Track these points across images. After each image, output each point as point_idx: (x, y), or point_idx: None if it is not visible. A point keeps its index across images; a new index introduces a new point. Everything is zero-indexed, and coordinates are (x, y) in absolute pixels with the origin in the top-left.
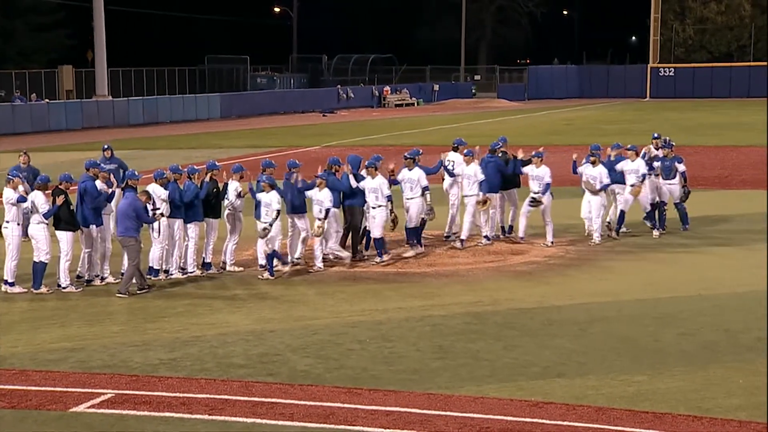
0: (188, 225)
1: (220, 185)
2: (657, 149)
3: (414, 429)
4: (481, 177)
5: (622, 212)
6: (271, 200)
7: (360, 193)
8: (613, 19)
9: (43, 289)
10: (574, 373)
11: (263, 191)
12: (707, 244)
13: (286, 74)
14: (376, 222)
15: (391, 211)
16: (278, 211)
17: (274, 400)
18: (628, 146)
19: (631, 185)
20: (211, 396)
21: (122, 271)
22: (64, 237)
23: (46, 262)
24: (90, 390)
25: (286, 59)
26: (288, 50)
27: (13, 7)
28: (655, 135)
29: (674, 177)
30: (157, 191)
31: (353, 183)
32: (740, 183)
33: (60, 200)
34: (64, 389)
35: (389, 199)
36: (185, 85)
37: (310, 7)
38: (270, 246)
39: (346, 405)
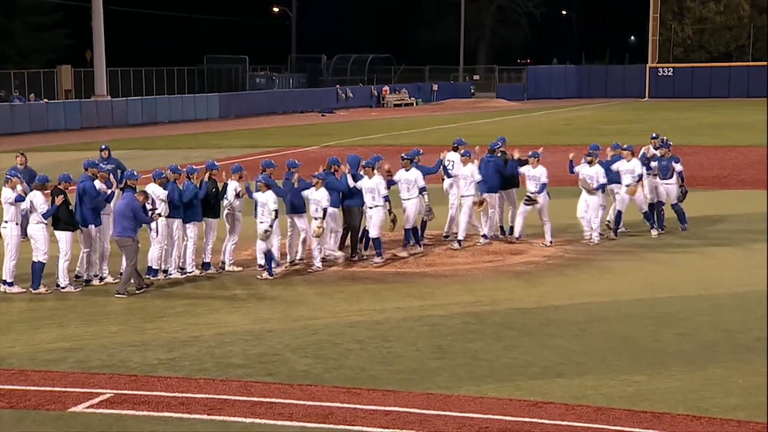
0: (187, 225)
1: (220, 185)
2: (656, 149)
3: (413, 429)
4: (478, 177)
5: (619, 212)
6: (267, 200)
7: (358, 194)
8: (612, 19)
9: (42, 289)
10: (573, 373)
11: (260, 191)
12: (706, 244)
13: (285, 74)
14: (373, 222)
15: (390, 211)
16: (276, 211)
17: (272, 400)
18: (625, 146)
19: (627, 185)
20: (210, 396)
21: (121, 271)
22: (63, 237)
23: (44, 262)
24: (89, 390)
25: (285, 59)
26: (287, 50)
27: (13, 7)
28: (654, 135)
29: (671, 177)
30: (156, 191)
31: (351, 183)
32: (739, 183)
33: (59, 200)
34: (63, 389)
35: (386, 199)
36: (184, 85)
37: (309, 7)
38: (267, 245)
39: (345, 405)
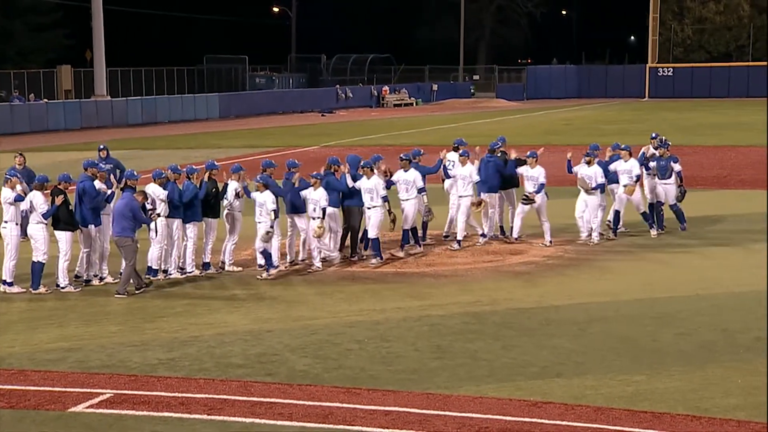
0: (187, 225)
1: (220, 185)
2: (656, 149)
3: (413, 429)
4: (476, 178)
5: (617, 212)
6: (265, 200)
7: (358, 194)
8: (612, 19)
9: (42, 289)
10: (572, 372)
11: (258, 191)
12: (705, 244)
13: (285, 74)
14: (371, 222)
15: (390, 211)
16: (275, 212)
17: (272, 399)
18: (623, 146)
19: (624, 185)
20: (210, 396)
21: (121, 271)
22: (63, 237)
23: (44, 262)
24: (88, 390)
25: (285, 59)
26: (287, 50)
27: (12, 7)
28: (654, 135)
29: (670, 177)
30: (156, 191)
31: (350, 183)
32: (739, 183)
33: (59, 200)
34: (63, 389)
35: (385, 199)
36: (184, 85)
37: (309, 7)
38: (267, 246)
39: (344, 405)
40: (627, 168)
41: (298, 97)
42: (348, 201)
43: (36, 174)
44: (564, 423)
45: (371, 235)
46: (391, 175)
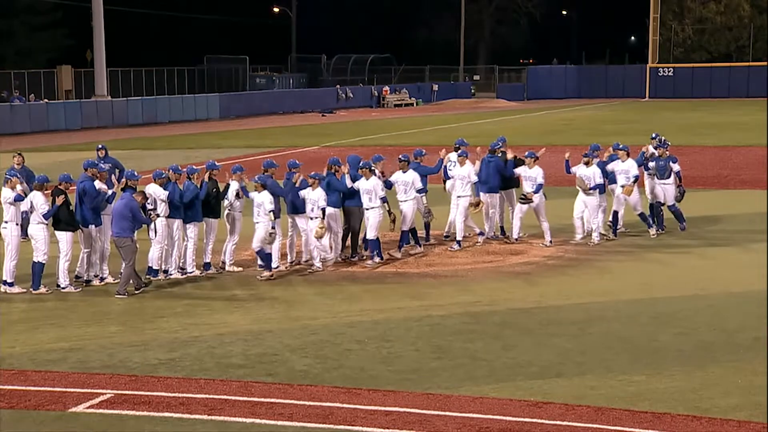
0: (187, 225)
1: (221, 185)
2: (655, 149)
3: (413, 429)
4: (475, 179)
5: (615, 212)
6: (263, 200)
7: (359, 194)
8: (612, 19)
9: (42, 290)
10: (572, 372)
11: (255, 191)
12: (705, 245)
13: (285, 74)
14: (370, 223)
15: (390, 211)
16: (273, 212)
17: (273, 400)
18: (620, 146)
19: (622, 186)
20: (210, 396)
21: (121, 272)
22: (64, 237)
23: (44, 262)
24: (89, 390)
25: (285, 59)
26: (287, 50)
27: (12, 7)
28: (654, 135)
29: (669, 177)
30: (157, 191)
31: (349, 183)
32: (739, 183)
33: (60, 200)
34: (63, 389)
35: (384, 200)
36: (184, 85)
37: (309, 7)
38: (260, 244)
39: (345, 405)
40: (624, 168)
41: (298, 97)
42: (348, 201)
43: (34, 174)
44: (564, 423)
45: (370, 236)
46: (385, 176)
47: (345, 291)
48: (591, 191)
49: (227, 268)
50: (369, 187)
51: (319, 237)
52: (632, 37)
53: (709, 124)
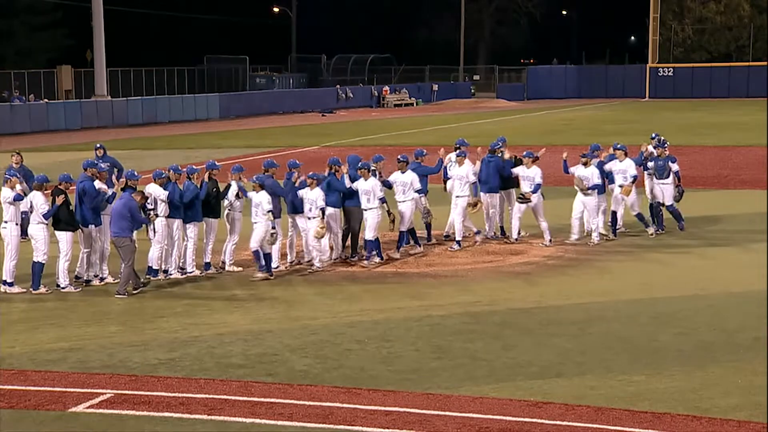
0: (187, 225)
1: (221, 186)
2: (654, 149)
3: (413, 429)
4: (473, 179)
5: (614, 212)
6: (261, 200)
7: (358, 194)
8: (612, 19)
9: (42, 290)
10: (572, 372)
11: (254, 191)
12: (705, 245)
13: (285, 74)
14: (368, 223)
15: (389, 211)
16: (271, 212)
17: (272, 400)
18: (618, 146)
19: (620, 186)
20: (210, 396)
21: (121, 272)
22: (64, 237)
23: (44, 262)
24: (89, 390)
25: (285, 59)
26: (287, 50)
27: (12, 7)
28: (653, 135)
29: (668, 177)
30: (157, 191)
31: (347, 184)
32: (739, 183)
33: (60, 200)
34: (63, 389)
35: (382, 200)
36: (184, 85)
37: (309, 7)
38: (257, 244)
39: (344, 405)
40: (622, 168)
41: (298, 97)
42: (348, 201)
43: (33, 173)
44: (564, 423)
45: (369, 236)
46: (381, 176)
47: (345, 291)
48: (589, 191)
49: (227, 268)
50: (367, 188)
51: (319, 237)
52: (632, 37)
53: (709, 124)
